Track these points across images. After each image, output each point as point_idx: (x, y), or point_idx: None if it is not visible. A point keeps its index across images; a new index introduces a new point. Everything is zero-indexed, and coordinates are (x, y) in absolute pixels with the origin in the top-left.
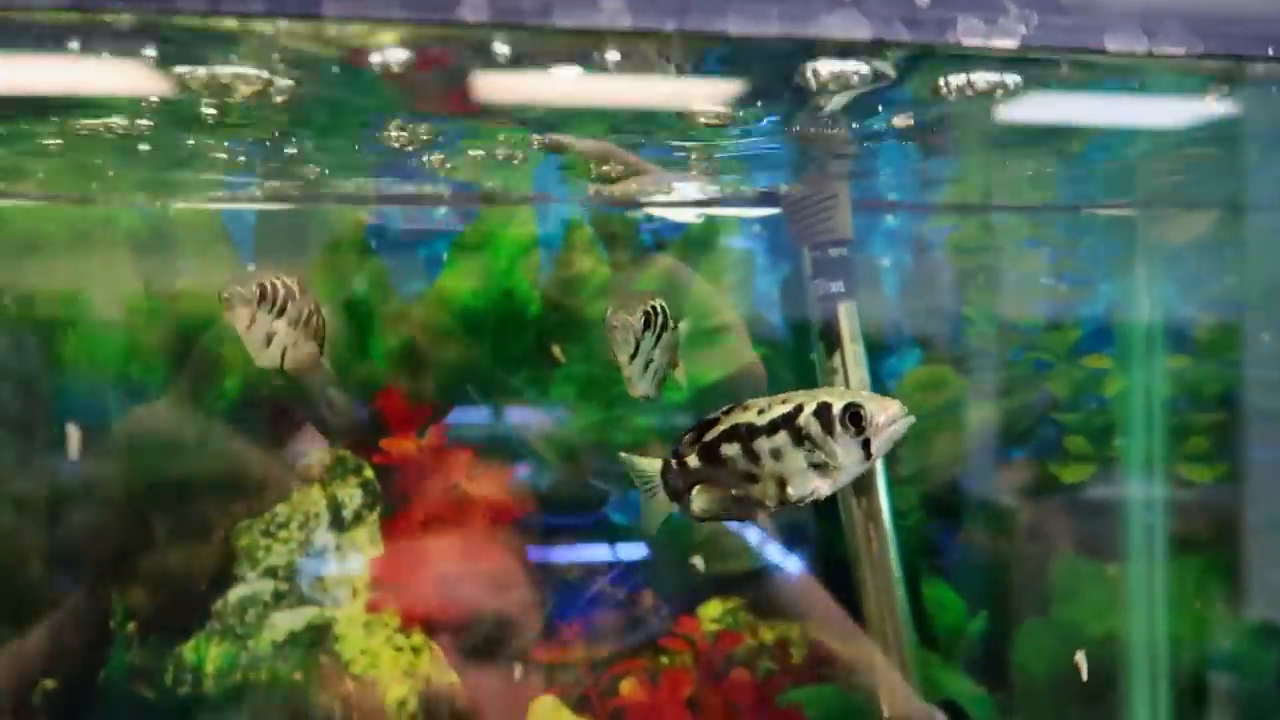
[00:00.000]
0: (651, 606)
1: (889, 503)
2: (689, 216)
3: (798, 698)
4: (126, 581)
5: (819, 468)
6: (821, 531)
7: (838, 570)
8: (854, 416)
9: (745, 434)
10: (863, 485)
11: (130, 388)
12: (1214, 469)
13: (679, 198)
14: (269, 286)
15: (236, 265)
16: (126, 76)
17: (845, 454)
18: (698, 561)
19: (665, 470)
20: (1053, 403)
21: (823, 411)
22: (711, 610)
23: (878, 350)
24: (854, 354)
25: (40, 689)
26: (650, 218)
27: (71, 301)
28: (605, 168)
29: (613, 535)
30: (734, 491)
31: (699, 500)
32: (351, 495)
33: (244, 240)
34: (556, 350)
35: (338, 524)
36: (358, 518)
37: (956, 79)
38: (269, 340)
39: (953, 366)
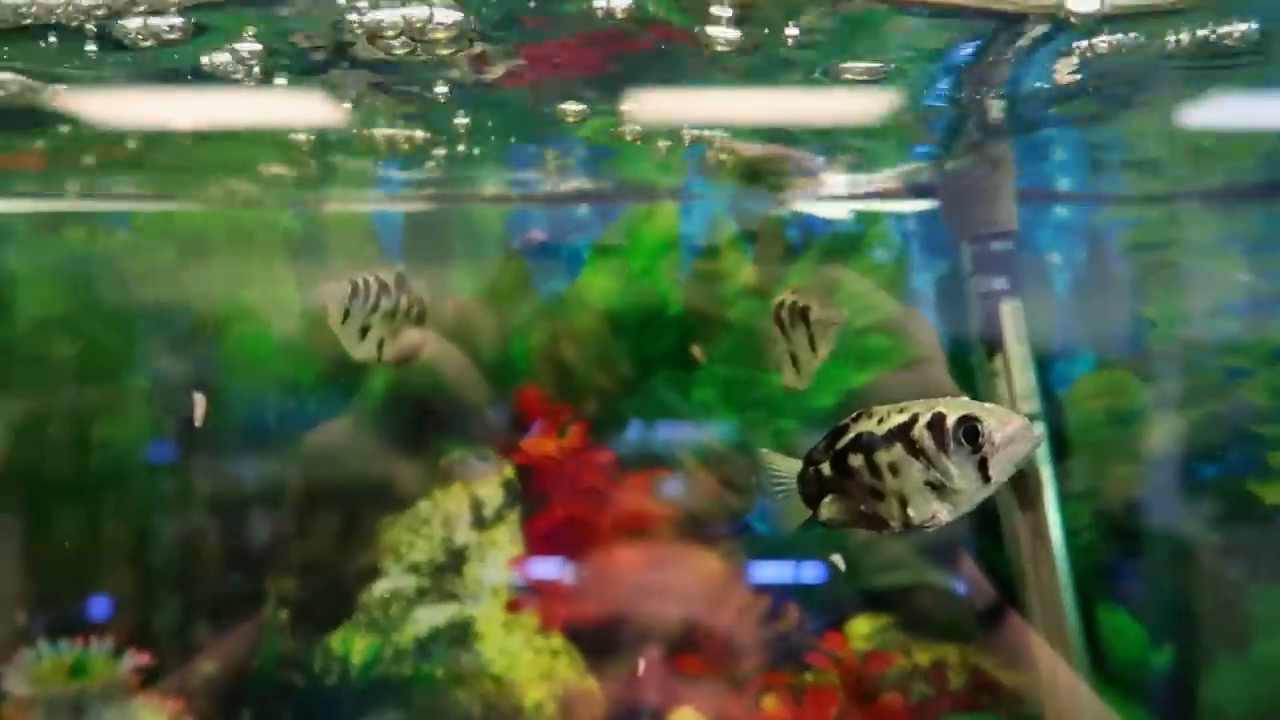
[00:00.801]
0: (796, 620)
1: (1060, 520)
2: (839, 212)
3: None
4: (280, 572)
5: (937, 488)
6: (981, 548)
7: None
8: (969, 431)
9: (866, 445)
10: (1028, 499)
11: (284, 384)
12: None
13: (829, 191)
14: (361, 284)
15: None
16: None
17: (960, 473)
18: (838, 560)
19: (802, 474)
20: (1252, 414)
21: (937, 424)
22: (861, 628)
23: (1046, 354)
24: (1019, 356)
25: (199, 672)
26: (797, 213)
27: (233, 301)
28: (771, 169)
29: (756, 545)
30: (862, 507)
31: (828, 510)
32: (492, 494)
33: (392, 241)
34: (696, 351)
35: (479, 523)
36: (498, 517)
37: None
38: (364, 334)
39: (1132, 372)
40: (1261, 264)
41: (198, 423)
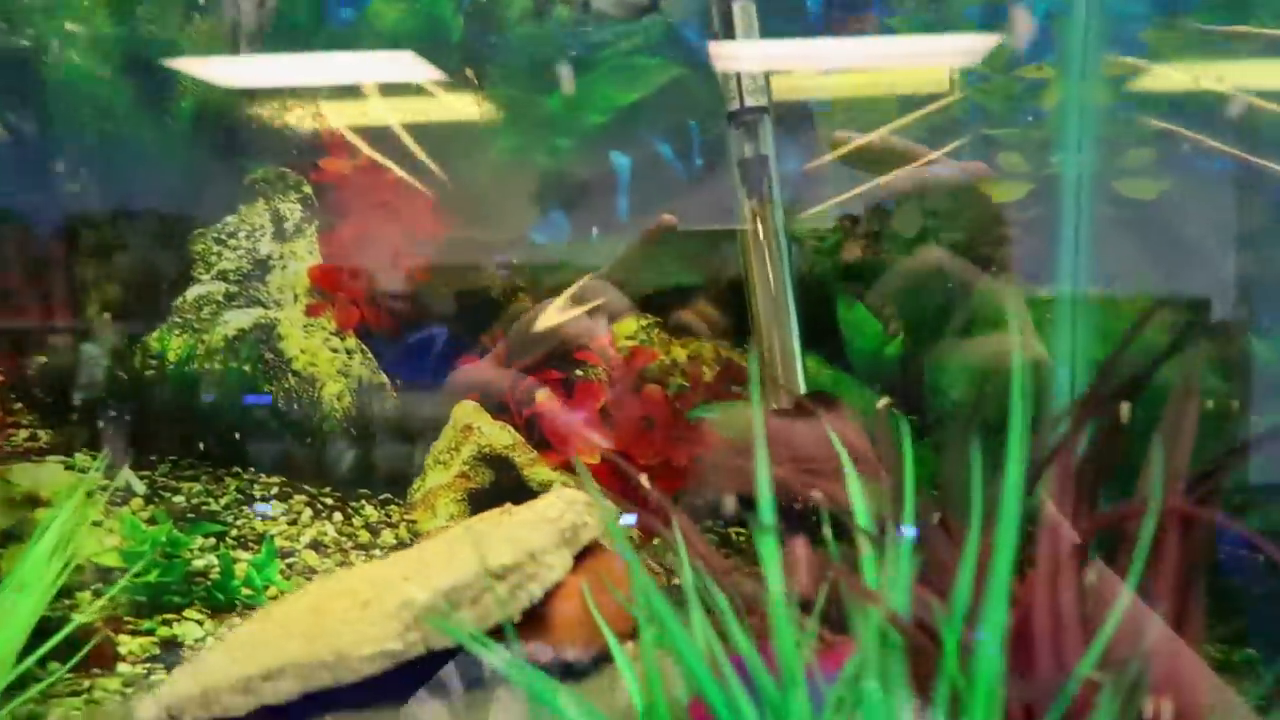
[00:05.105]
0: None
1: (781, 217)
2: None
3: (707, 413)
4: (102, 280)
5: None
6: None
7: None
8: None
9: None
10: (753, 190)
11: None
12: None
13: None
14: None
15: None
16: None
17: None
18: None
19: None
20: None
21: None
22: (626, 328)
23: None
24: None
25: (35, 364)
26: None
27: None
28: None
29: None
30: None
31: None
32: (292, 210)
33: None
34: (470, 72)
35: (280, 235)
36: (298, 230)
37: None
38: None
39: None
40: None
41: None
